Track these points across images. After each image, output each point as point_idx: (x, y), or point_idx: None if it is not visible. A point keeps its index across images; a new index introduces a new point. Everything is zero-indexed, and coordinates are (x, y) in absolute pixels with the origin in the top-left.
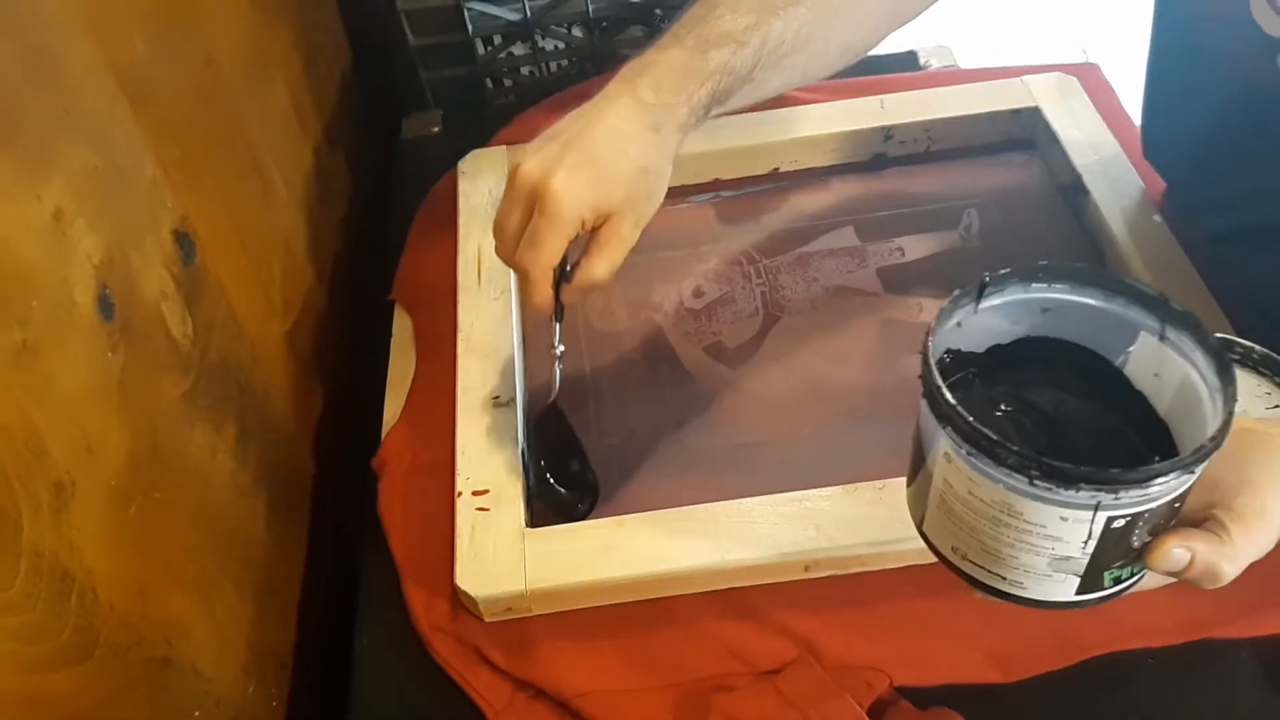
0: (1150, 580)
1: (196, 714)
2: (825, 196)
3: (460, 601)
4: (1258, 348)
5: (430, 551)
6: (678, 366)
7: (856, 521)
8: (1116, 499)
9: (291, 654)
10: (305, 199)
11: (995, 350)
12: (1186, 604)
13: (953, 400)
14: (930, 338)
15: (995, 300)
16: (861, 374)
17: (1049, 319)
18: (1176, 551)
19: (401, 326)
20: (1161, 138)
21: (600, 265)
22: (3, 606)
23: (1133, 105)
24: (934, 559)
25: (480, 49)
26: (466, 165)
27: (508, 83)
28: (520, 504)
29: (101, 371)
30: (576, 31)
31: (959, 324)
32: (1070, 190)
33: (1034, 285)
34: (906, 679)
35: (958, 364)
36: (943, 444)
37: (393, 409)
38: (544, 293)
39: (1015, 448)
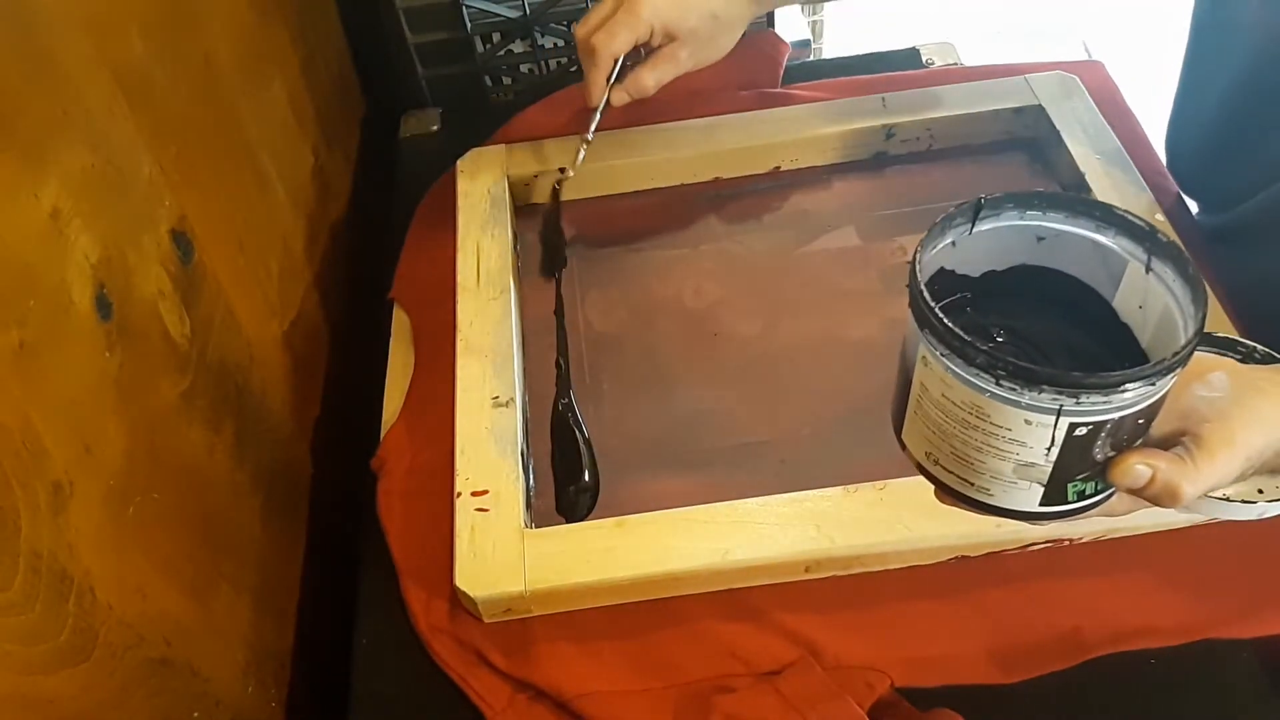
0: (1116, 504)
1: (195, 715)
2: (826, 195)
3: (460, 602)
4: (1260, 347)
5: (429, 552)
6: (677, 366)
7: (857, 522)
8: (1078, 404)
9: (290, 654)
10: (303, 198)
11: (989, 276)
12: (1187, 605)
13: (931, 302)
14: (919, 249)
15: (990, 224)
16: (862, 374)
17: (1043, 249)
18: (1139, 467)
19: (400, 325)
20: (1189, 116)
21: (648, 76)
22: (1, 607)
23: (1136, 103)
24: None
25: (479, 46)
26: (465, 164)
27: (507, 80)
28: (520, 504)
29: (99, 371)
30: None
31: (953, 243)
32: (1073, 189)
33: (1029, 212)
34: (907, 680)
35: (951, 286)
36: (922, 348)
37: (391, 408)
38: (601, 74)
39: (984, 348)
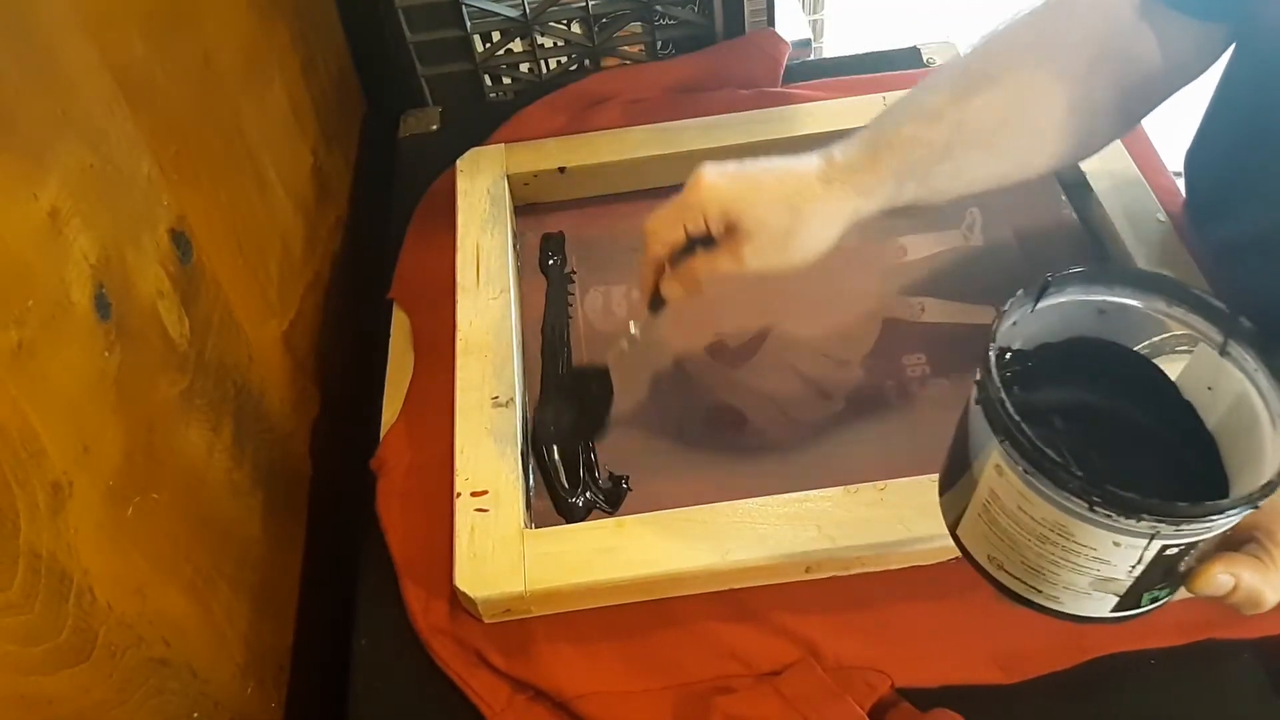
0: (1181, 593)
1: (195, 715)
2: None
3: (459, 602)
4: None
5: (429, 552)
6: (678, 366)
7: (857, 522)
8: (1177, 530)
9: (290, 655)
10: (302, 197)
11: (1045, 348)
12: (1187, 605)
13: (1016, 415)
14: (993, 343)
15: (1054, 300)
16: (862, 374)
17: (1103, 321)
18: (1221, 578)
19: (400, 325)
20: (1220, 130)
21: (701, 267)
22: (1, 607)
23: None
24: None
25: (479, 46)
26: (465, 163)
27: (506, 80)
28: (520, 504)
29: (98, 371)
30: (575, 28)
31: (1015, 323)
32: (1074, 188)
33: (1095, 287)
34: (908, 680)
35: (1005, 360)
36: (995, 455)
37: (391, 408)
38: (650, 262)
39: (1079, 473)
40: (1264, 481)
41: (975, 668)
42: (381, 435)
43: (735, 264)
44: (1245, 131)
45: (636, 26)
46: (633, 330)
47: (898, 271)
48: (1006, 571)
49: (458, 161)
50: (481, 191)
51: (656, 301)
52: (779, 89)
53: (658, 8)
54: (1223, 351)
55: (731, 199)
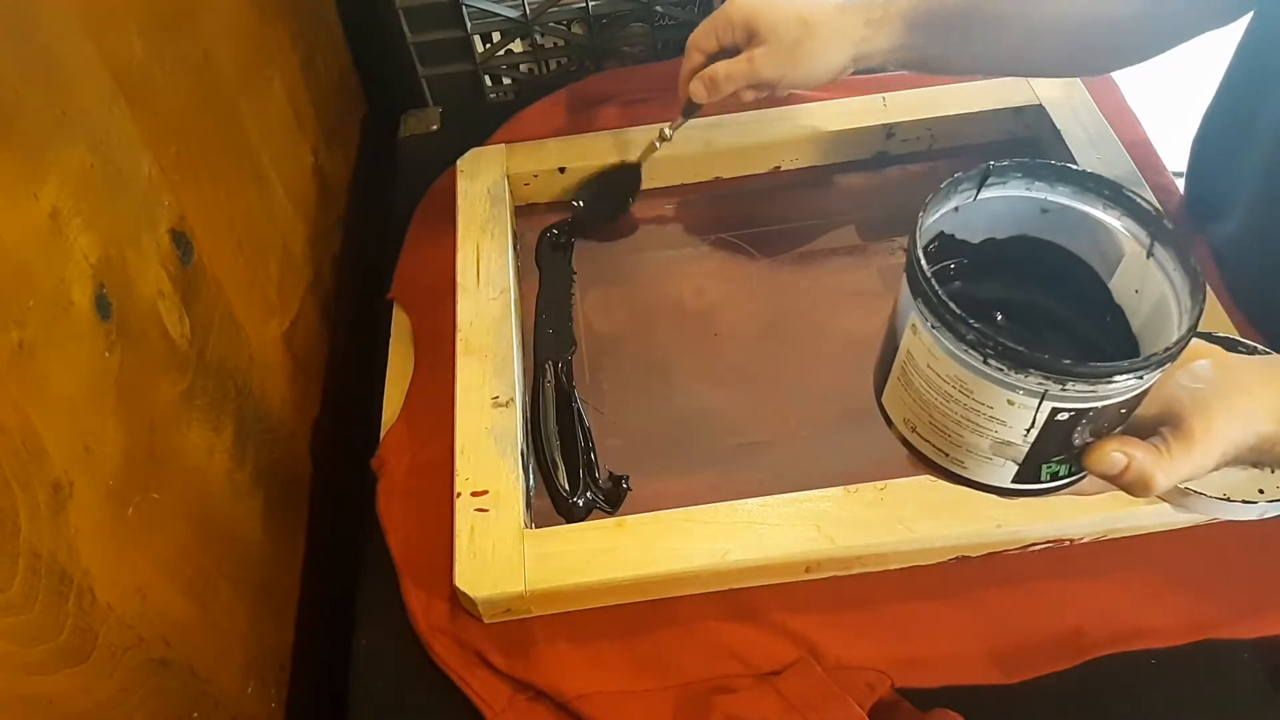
0: (1087, 485)
1: (195, 715)
2: (827, 195)
3: (459, 603)
4: (1260, 347)
5: (429, 552)
6: (678, 367)
7: (857, 522)
8: (1064, 390)
9: (290, 655)
10: (303, 198)
11: (989, 243)
12: (1187, 605)
13: (928, 273)
14: (921, 213)
15: (996, 191)
16: (862, 374)
17: (1046, 221)
18: (1115, 454)
19: (400, 325)
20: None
21: (720, 68)
22: (1, 607)
23: (1136, 103)
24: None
25: (479, 46)
26: (465, 163)
27: (506, 80)
28: (520, 504)
29: (99, 371)
30: (576, 29)
31: (957, 209)
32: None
33: (1037, 184)
34: (908, 680)
35: (950, 249)
36: (913, 316)
37: (391, 408)
38: (687, 69)
39: (976, 325)
40: (1148, 354)
41: (975, 667)
42: (382, 435)
43: (748, 67)
44: (1243, 130)
45: (636, 27)
46: (666, 132)
47: (897, 271)
48: (919, 435)
49: (458, 162)
50: (481, 192)
51: (689, 108)
52: None
53: (658, 8)
54: (1149, 254)
55: (753, 9)
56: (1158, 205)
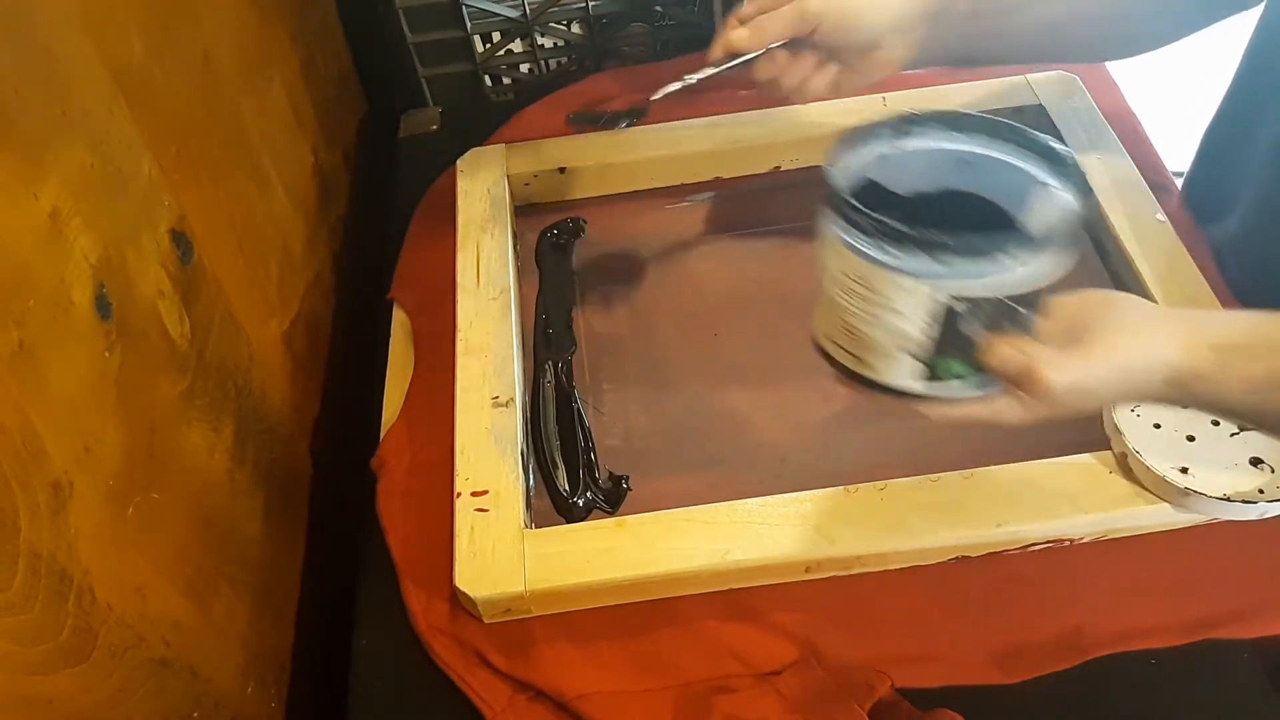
0: (1003, 409)
1: (195, 715)
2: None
3: (459, 603)
4: None
5: (429, 552)
6: (678, 366)
7: (857, 522)
8: (950, 269)
9: (290, 655)
10: (303, 198)
11: (922, 198)
12: (1187, 605)
13: (836, 182)
14: (835, 145)
15: (920, 143)
16: None
17: (969, 173)
18: (1007, 349)
19: (400, 325)
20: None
21: (771, 17)
22: (1, 607)
23: (1136, 103)
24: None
25: (479, 46)
26: (465, 163)
27: (506, 80)
28: (520, 504)
29: (99, 371)
30: (576, 29)
31: (884, 157)
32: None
33: (956, 135)
34: (908, 680)
35: (881, 200)
36: (826, 228)
37: (391, 408)
38: (735, 17)
39: (866, 211)
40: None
41: (975, 667)
42: (382, 435)
43: (799, 13)
44: (1248, 130)
45: (636, 27)
46: (690, 78)
47: None
48: (837, 344)
49: (458, 162)
50: (482, 192)
51: (727, 58)
52: None
53: (658, 8)
54: (1056, 190)
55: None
56: (1065, 145)
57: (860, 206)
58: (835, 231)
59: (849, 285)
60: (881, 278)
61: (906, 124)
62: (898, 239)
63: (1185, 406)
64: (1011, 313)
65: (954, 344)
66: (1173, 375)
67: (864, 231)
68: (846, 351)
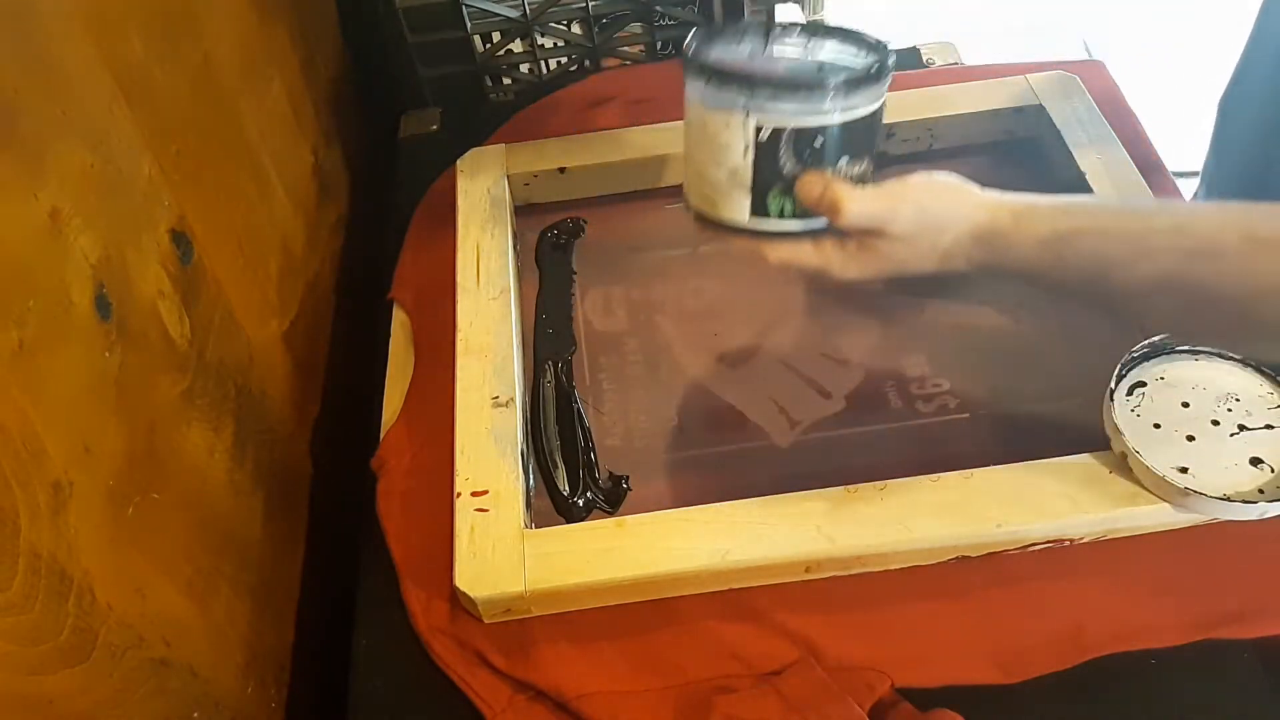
0: (834, 262)
1: (195, 715)
2: None
3: (459, 602)
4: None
5: (429, 552)
6: (678, 366)
7: (857, 522)
8: (756, 99)
9: (290, 655)
10: (303, 198)
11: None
12: (1187, 605)
13: (688, 44)
14: (704, 35)
15: (784, 50)
16: (861, 374)
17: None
18: (813, 178)
19: (400, 326)
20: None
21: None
22: (1, 607)
23: (1136, 103)
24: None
25: (479, 46)
26: (465, 163)
27: (506, 80)
28: (520, 504)
29: (99, 371)
30: (575, 29)
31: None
32: (1073, 189)
33: (811, 41)
34: (908, 680)
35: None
36: (686, 92)
37: (391, 409)
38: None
39: (700, 61)
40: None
41: (975, 668)
42: (382, 435)
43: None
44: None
45: (636, 27)
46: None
47: None
48: (694, 194)
49: (458, 162)
50: (482, 192)
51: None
52: None
53: (658, 8)
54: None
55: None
56: (880, 38)
57: (695, 59)
58: (688, 93)
59: (695, 135)
60: (711, 117)
61: (769, 26)
62: (721, 80)
63: (994, 271)
64: (819, 148)
65: (774, 177)
66: (977, 231)
67: (704, 81)
68: (700, 195)
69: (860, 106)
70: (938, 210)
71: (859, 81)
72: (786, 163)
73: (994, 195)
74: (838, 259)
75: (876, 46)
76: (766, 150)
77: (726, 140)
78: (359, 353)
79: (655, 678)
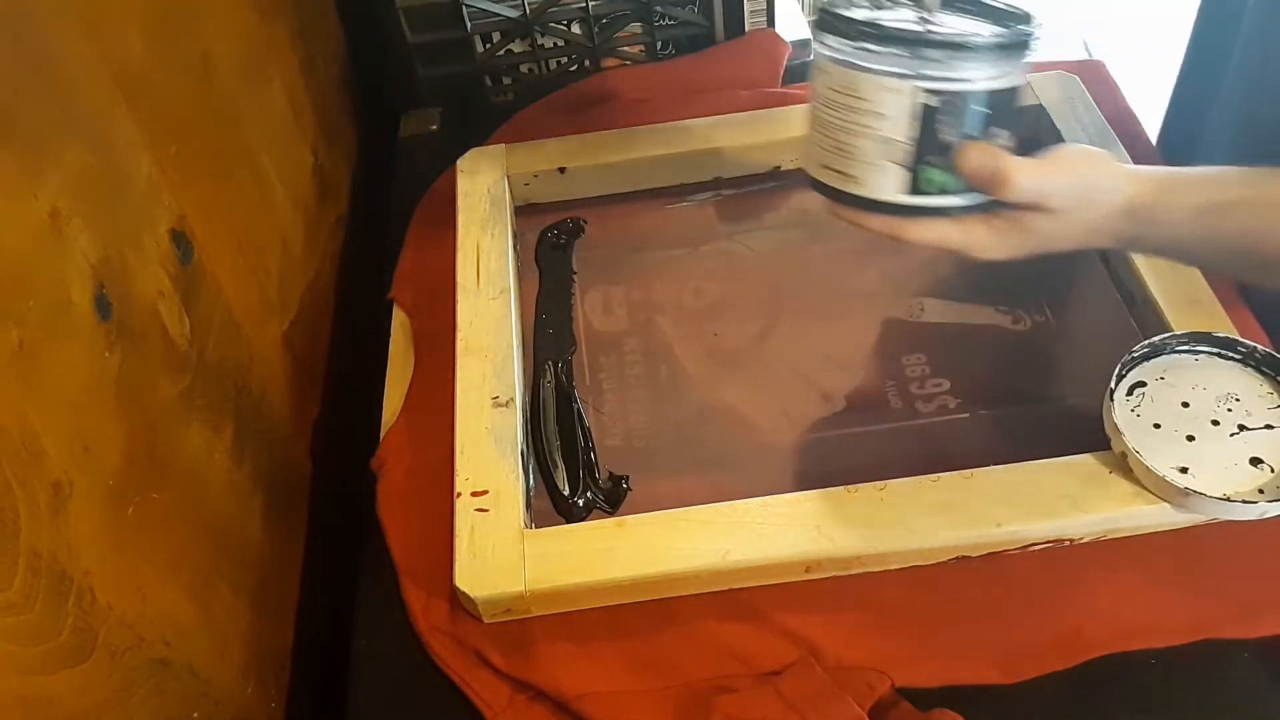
0: (978, 240)
1: (195, 715)
2: None
3: (459, 602)
4: (1260, 347)
5: (429, 552)
6: (678, 366)
7: (857, 522)
8: (925, 69)
9: (290, 655)
10: (303, 198)
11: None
12: (1187, 605)
13: (835, 7)
14: None
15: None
16: (861, 374)
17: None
18: (979, 150)
19: (400, 325)
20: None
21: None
22: (1, 607)
23: (1137, 103)
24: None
25: (479, 46)
26: (465, 163)
27: (506, 80)
28: (520, 504)
29: (99, 371)
30: (575, 29)
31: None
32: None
33: (921, 8)
34: (907, 680)
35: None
36: (815, 52)
37: (391, 409)
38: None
39: (851, 17)
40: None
41: (975, 668)
42: (382, 435)
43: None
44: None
45: (636, 27)
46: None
47: (898, 271)
48: (825, 167)
49: (458, 162)
50: (482, 192)
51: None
52: (779, 89)
53: (658, 8)
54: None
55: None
56: (1016, 5)
57: (846, 14)
58: (822, 52)
59: (836, 99)
60: (866, 81)
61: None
62: (880, 38)
63: (1137, 246)
64: (984, 118)
65: (933, 148)
66: (1128, 204)
67: (849, 38)
68: (836, 172)
69: (1015, 74)
70: (1092, 182)
71: (1020, 47)
72: (949, 132)
73: (1137, 167)
74: (983, 237)
75: (1016, 14)
76: (929, 118)
77: (881, 106)
78: (359, 353)
79: (655, 678)
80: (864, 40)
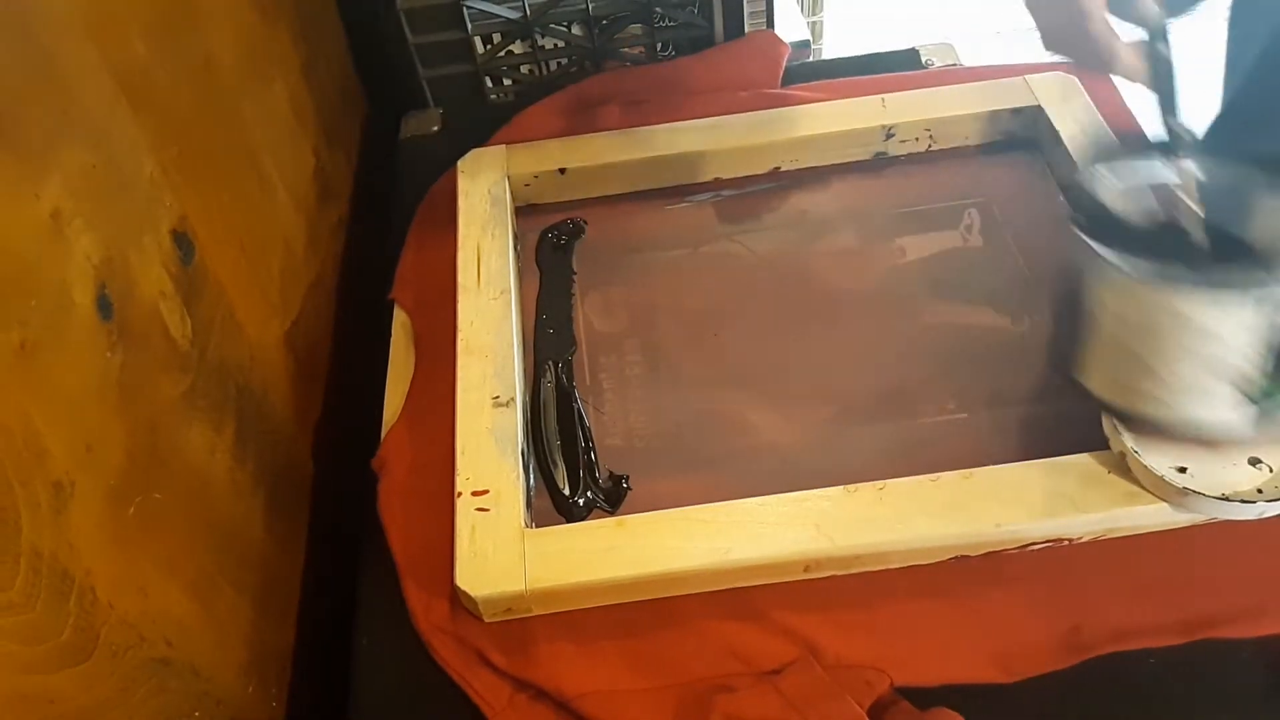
0: None
1: (196, 714)
2: (826, 196)
3: (460, 602)
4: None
5: (430, 551)
6: (678, 367)
7: (857, 521)
8: (1266, 278)
9: (291, 654)
10: (304, 198)
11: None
12: (1187, 605)
13: (1112, 210)
14: (1096, 162)
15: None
16: (861, 374)
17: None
18: None
19: (400, 326)
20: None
21: None
22: (2, 607)
23: (1136, 104)
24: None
25: (479, 47)
26: (466, 164)
27: (507, 81)
28: (520, 504)
29: (100, 371)
30: (576, 30)
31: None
32: (1073, 190)
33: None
34: (907, 679)
35: (1113, 223)
36: (1100, 268)
37: (392, 409)
38: None
39: (1156, 237)
40: None
41: (975, 668)
42: (382, 435)
43: None
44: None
45: (637, 28)
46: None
47: (897, 271)
48: (1129, 389)
49: (459, 162)
50: (482, 192)
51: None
52: (779, 90)
53: (658, 9)
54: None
55: None
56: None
57: (1149, 233)
58: (1118, 268)
59: (1143, 323)
60: (1194, 303)
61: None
62: (1226, 254)
63: None
64: None
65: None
66: None
67: (1156, 257)
68: (1151, 399)
69: None
70: None
71: None
72: None
73: None
74: None
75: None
76: (1273, 335)
77: (1220, 330)
78: (360, 353)
79: (655, 677)
80: (1180, 265)
